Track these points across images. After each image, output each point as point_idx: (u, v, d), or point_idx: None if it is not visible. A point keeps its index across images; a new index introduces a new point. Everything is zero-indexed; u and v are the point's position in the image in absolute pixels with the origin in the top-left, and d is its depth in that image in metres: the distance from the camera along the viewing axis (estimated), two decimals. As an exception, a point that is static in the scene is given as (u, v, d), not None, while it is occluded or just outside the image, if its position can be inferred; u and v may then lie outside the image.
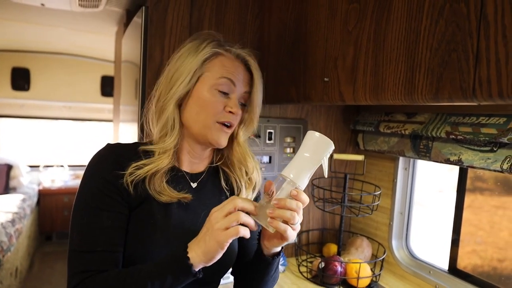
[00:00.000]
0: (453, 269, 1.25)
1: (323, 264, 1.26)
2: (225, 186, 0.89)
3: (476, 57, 0.62)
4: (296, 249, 1.45)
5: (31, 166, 4.01)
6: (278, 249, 0.78)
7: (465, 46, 0.64)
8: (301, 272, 1.35)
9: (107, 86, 3.87)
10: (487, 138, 1.02)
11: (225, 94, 0.80)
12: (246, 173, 0.89)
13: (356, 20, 0.90)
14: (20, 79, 3.58)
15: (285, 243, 0.73)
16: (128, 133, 1.65)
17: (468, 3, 0.63)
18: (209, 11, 1.29)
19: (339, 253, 1.37)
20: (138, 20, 1.37)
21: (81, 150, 4.35)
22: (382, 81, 0.82)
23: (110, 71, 3.54)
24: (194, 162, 0.86)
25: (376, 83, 0.84)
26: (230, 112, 0.80)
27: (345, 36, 0.93)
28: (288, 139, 1.44)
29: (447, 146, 1.16)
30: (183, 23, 1.25)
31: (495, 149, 1.04)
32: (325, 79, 1.00)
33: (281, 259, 1.36)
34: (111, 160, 0.76)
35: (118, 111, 2.17)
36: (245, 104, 0.85)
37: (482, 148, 1.07)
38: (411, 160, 1.41)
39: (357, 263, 1.24)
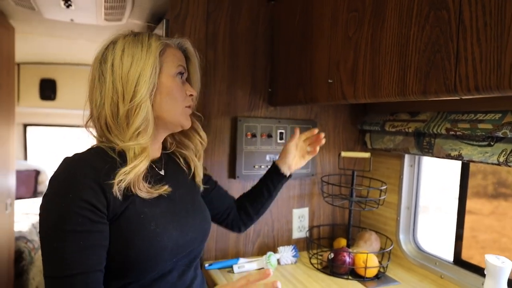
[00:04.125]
0: (458, 260, 1.31)
1: (332, 255, 1.34)
2: (183, 164, 1.00)
3: (456, 57, 0.71)
4: (308, 243, 1.53)
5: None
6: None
7: (447, 47, 0.73)
8: (312, 264, 1.43)
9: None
10: (483, 133, 1.09)
11: (181, 79, 0.89)
12: (195, 148, 1.02)
13: (356, 27, 0.99)
14: (48, 90, 3.80)
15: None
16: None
17: (449, 10, 0.72)
18: (223, 24, 1.40)
19: (348, 246, 1.45)
20: (159, 32, 1.51)
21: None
22: (379, 81, 0.91)
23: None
24: (154, 149, 0.92)
25: (374, 82, 0.93)
26: (190, 95, 0.91)
27: (346, 42, 1.03)
28: (299, 139, 1.53)
29: (448, 142, 1.23)
30: (200, 35, 1.37)
31: (492, 144, 1.10)
32: (329, 81, 1.10)
33: (293, 251, 1.44)
34: (89, 176, 0.71)
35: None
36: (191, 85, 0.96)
37: (480, 143, 1.14)
38: (416, 157, 1.48)
39: (365, 253, 1.32)
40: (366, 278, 1.31)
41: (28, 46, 3.03)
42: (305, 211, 1.58)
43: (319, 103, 1.20)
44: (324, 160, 1.60)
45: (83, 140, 0.88)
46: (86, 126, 0.87)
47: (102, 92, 0.81)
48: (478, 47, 0.66)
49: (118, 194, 0.73)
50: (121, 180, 0.73)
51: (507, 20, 0.61)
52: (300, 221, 1.57)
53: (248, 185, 1.47)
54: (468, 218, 1.34)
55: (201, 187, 1.04)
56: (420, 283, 1.32)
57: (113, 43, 0.83)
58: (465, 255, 1.30)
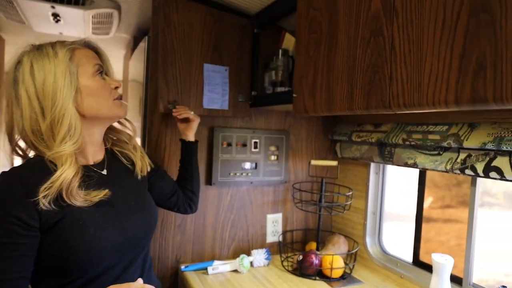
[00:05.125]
0: (416, 261, 1.41)
1: (301, 257, 1.43)
2: (126, 162, 1.04)
3: (390, 77, 0.82)
4: (281, 247, 1.62)
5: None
6: (193, 138, 1.31)
7: (383, 69, 0.84)
8: (283, 266, 1.52)
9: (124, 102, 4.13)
10: (433, 143, 1.21)
11: (102, 76, 0.92)
12: (130, 141, 1.07)
13: (315, 47, 1.10)
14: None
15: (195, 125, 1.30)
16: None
17: (384, 37, 0.84)
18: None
19: (317, 249, 1.54)
20: (143, 45, 1.61)
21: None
22: (333, 96, 1.02)
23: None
24: (96, 151, 0.95)
25: (328, 97, 1.04)
26: (115, 88, 0.95)
27: (307, 59, 1.14)
28: (272, 148, 1.63)
29: (405, 152, 1.34)
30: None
31: (441, 153, 1.22)
32: (294, 95, 1.21)
33: (266, 254, 1.53)
34: (20, 191, 0.75)
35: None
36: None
37: (431, 152, 1.25)
38: (381, 165, 1.59)
39: (331, 255, 1.41)
40: (332, 278, 1.40)
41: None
42: (278, 216, 1.67)
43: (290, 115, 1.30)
44: (297, 168, 1.70)
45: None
46: (14, 146, 0.88)
47: (21, 112, 0.82)
48: (405, 70, 0.77)
49: (48, 206, 0.76)
50: (47, 193, 0.76)
51: (424, 48, 0.73)
52: (274, 226, 1.66)
53: (224, 192, 1.57)
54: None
55: (140, 175, 1.05)
56: (383, 283, 1.42)
57: (19, 62, 0.84)
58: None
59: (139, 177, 1.05)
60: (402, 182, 1.64)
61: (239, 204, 1.60)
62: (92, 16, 1.80)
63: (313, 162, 1.54)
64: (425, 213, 1.43)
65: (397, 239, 1.58)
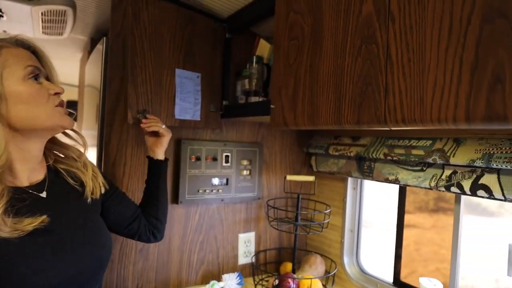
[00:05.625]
0: (397, 281, 1.34)
1: (277, 282, 1.31)
2: (73, 182, 0.87)
3: (385, 89, 0.73)
4: (254, 269, 1.49)
5: None
6: (162, 156, 1.15)
7: (377, 80, 0.75)
8: (257, 291, 1.39)
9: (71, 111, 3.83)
10: (416, 159, 1.15)
11: (37, 80, 0.77)
12: (79, 157, 0.90)
13: (296, 55, 1.01)
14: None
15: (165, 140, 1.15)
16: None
17: (378, 45, 0.75)
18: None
19: (294, 271, 1.43)
20: (100, 48, 1.44)
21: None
22: (317, 109, 0.92)
23: (74, 95, 3.53)
24: (33, 169, 0.80)
25: (312, 110, 0.94)
26: (56, 93, 0.79)
27: (287, 68, 1.04)
28: (245, 162, 1.51)
29: (386, 167, 1.28)
30: (142, 53, 1.32)
31: (424, 169, 1.16)
32: (272, 106, 1.10)
33: (238, 278, 1.40)
34: None
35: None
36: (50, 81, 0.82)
37: (414, 168, 1.19)
38: (359, 180, 1.52)
39: (309, 279, 1.31)
40: (311, 304, 1.29)
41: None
42: (251, 235, 1.55)
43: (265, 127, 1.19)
44: (271, 183, 1.59)
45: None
46: None
47: None
48: (404, 81, 0.69)
49: None
50: None
51: (427, 58, 0.65)
52: (246, 246, 1.54)
53: (192, 211, 1.42)
54: (411, 232, 1.39)
55: (91, 198, 0.88)
56: (363, 307, 1.33)
57: None
58: (409, 269, 1.34)
59: (89, 200, 0.88)
60: (372, 190, 1.58)
61: (208, 224, 1.46)
62: (42, 13, 1.60)
63: (289, 177, 1.44)
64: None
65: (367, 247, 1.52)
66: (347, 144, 1.43)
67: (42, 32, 1.91)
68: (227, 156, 1.46)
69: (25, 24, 1.76)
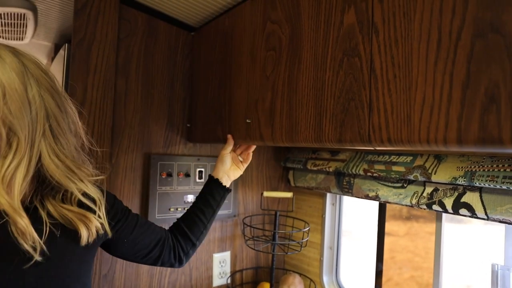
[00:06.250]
0: (378, 302, 1.29)
1: (253, 306, 1.23)
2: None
3: (370, 106, 0.68)
4: (229, 291, 1.41)
5: None
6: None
7: (360, 95, 0.70)
8: (233, 316, 1.31)
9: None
10: (397, 176, 1.11)
11: None
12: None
13: (273, 67, 0.95)
14: None
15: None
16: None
17: (361, 58, 0.70)
18: (137, 50, 1.28)
19: (271, 292, 1.36)
20: (62, 53, 1.33)
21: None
22: (296, 124, 0.86)
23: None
24: None
25: (291, 125, 0.88)
26: None
27: (264, 81, 0.98)
28: (220, 177, 1.43)
29: (366, 183, 1.23)
30: (108, 62, 1.22)
31: (405, 185, 1.12)
32: (247, 121, 1.03)
33: (212, 303, 1.31)
34: None
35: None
36: None
37: (395, 185, 1.15)
38: (338, 196, 1.48)
39: (287, 302, 1.23)
40: (289, 328, 1.22)
41: None
42: (226, 255, 1.46)
43: (237, 143, 1.12)
44: (247, 199, 1.51)
45: None
46: None
47: None
48: (389, 98, 0.64)
49: None
50: None
51: (414, 74, 0.60)
52: (221, 267, 1.45)
53: (162, 230, 1.32)
54: (386, 240, 1.35)
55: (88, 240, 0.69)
56: (343, 329, 1.27)
57: None
58: (385, 277, 1.30)
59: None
60: (350, 201, 1.54)
61: (180, 244, 1.36)
62: (-1, 16, 1.48)
63: (266, 193, 1.37)
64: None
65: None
66: (325, 159, 1.38)
67: (0, 36, 1.77)
68: (200, 172, 1.38)
69: (-20, 27, 1.62)
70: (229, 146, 1.11)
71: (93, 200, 0.70)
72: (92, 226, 0.68)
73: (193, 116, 1.36)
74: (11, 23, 1.57)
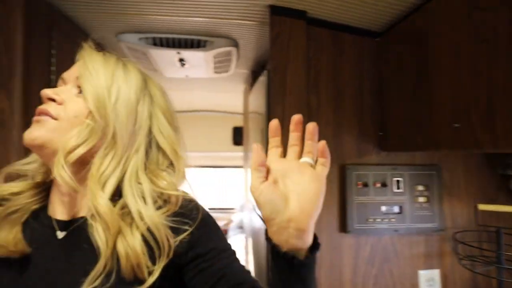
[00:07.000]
0: None
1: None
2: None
3: None
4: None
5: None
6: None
7: None
8: None
9: (237, 136, 4.32)
10: None
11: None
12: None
13: (487, 58, 0.80)
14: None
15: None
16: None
17: None
18: (325, 65, 1.34)
19: (498, 325, 1.14)
20: (263, 79, 1.53)
21: (218, 193, 4.83)
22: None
23: (239, 122, 3.94)
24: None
25: (523, 129, 0.72)
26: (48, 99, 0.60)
27: (474, 78, 0.84)
28: (420, 187, 1.31)
29: None
30: (301, 81, 1.32)
31: None
32: (455, 125, 0.91)
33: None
34: None
35: (247, 158, 2.39)
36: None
37: None
38: None
39: None
40: None
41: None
42: (435, 273, 1.32)
43: (443, 150, 1.00)
44: (455, 212, 1.33)
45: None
46: None
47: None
48: None
49: None
50: None
51: None
52: (429, 286, 1.32)
53: (363, 242, 1.31)
54: None
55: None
56: None
57: None
58: None
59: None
60: None
61: (381, 256, 1.32)
62: (213, 56, 1.83)
63: (482, 207, 1.17)
64: None
65: None
66: None
67: (214, 72, 2.18)
68: (398, 181, 1.30)
69: (200, 67, 2.04)
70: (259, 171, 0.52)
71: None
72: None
73: (385, 124, 1.30)
74: (221, 60, 1.92)
